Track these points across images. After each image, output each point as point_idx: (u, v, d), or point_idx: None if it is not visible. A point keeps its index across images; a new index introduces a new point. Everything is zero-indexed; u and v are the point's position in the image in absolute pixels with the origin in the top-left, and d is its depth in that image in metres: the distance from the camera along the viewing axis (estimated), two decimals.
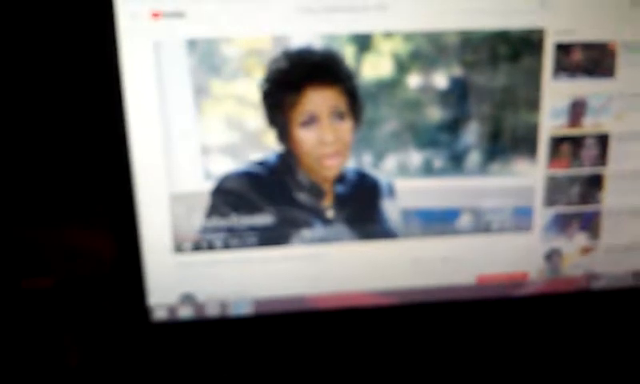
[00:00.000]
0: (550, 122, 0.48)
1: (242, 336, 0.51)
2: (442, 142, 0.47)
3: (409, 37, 0.45)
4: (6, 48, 0.52)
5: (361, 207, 0.49)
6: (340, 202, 0.48)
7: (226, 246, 0.48)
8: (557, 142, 0.48)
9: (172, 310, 0.49)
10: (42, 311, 0.54)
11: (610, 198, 0.50)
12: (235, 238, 0.48)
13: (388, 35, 0.45)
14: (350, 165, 0.48)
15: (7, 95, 0.53)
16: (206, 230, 0.47)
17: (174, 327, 0.50)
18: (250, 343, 0.52)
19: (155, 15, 0.43)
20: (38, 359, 0.51)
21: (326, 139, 0.46)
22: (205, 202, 0.47)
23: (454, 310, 0.52)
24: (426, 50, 0.46)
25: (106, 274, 0.50)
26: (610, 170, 0.50)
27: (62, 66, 0.52)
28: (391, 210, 0.49)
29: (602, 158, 0.49)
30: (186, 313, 0.50)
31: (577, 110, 0.48)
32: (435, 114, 0.47)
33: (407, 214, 0.49)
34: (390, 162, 0.48)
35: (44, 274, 0.54)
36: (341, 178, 0.48)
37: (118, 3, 0.43)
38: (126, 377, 0.50)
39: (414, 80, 0.46)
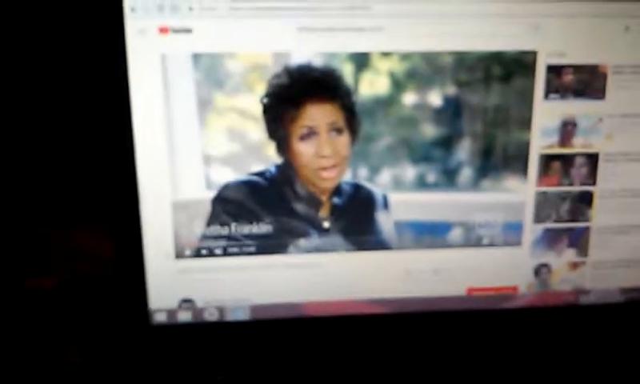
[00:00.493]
0: (540, 140, 0.49)
1: (239, 339, 0.53)
2: (435, 157, 0.49)
3: (405, 56, 0.47)
4: (20, 59, 0.54)
5: (356, 219, 0.50)
6: (336, 213, 0.50)
7: (226, 253, 0.49)
8: (547, 161, 0.50)
9: (172, 313, 0.51)
10: (45, 311, 0.55)
11: (599, 216, 0.52)
12: (234, 246, 0.49)
13: (385, 54, 0.47)
14: (347, 178, 0.49)
15: (20, 102, 0.55)
16: (206, 238, 0.49)
17: (173, 329, 0.51)
18: (246, 346, 0.53)
19: (163, 30, 0.45)
20: (41, 358, 0.52)
21: (324, 152, 0.48)
22: (206, 210, 0.48)
23: (445, 320, 0.53)
24: (422, 69, 0.47)
25: (108, 277, 0.52)
26: (599, 189, 0.51)
27: (72, 77, 0.54)
28: (385, 222, 0.50)
29: (591, 176, 0.51)
30: (185, 317, 0.51)
31: (567, 129, 0.49)
32: (430, 130, 0.49)
33: (401, 227, 0.50)
34: (386, 176, 0.49)
35: (48, 275, 0.56)
36: (338, 190, 0.50)
37: (127, 19, 0.45)
38: (126, 376, 0.51)
39: (409, 98, 0.48)
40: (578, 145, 0.50)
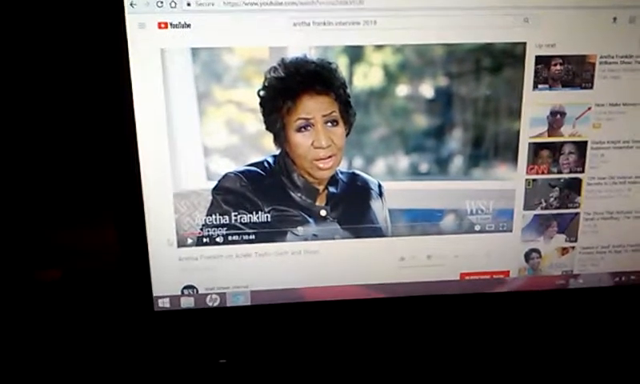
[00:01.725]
0: (530, 130, 0.51)
1: (240, 323, 0.55)
2: (428, 147, 0.51)
3: (397, 49, 0.48)
4: (25, 55, 0.55)
5: (352, 207, 0.52)
6: (333, 201, 0.52)
7: (226, 241, 0.51)
8: (537, 149, 0.51)
9: (174, 299, 0.53)
10: (53, 300, 0.57)
11: (588, 202, 0.53)
12: (234, 234, 0.51)
13: (378, 47, 0.48)
14: (343, 167, 0.51)
15: (23, 99, 0.56)
16: (207, 227, 0.51)
17: (176, 315, 0.53)
18: (247, 330, 0.55)
19: (162, 26, 0.47)
20: (48, 345, 0.54)
21: (320, 143, 0.49)
22: (206, 200, 0.50)
23: (439, 304, 0.55)
24: (414, 62, 0.49)
25: (113, 266, 0.53)
26: (587, 176, 0.53)
27: (75, 72, 0.55)
28: (380, 209, 0.52)
29: (580, 164, 0.52)
30: (187, 303, 0.53)
31: (556, 118, 0.51)
32: (422, 121, 0.50)
33: (395, 214, 0.52)
34: (380, 165, 0.51)
35: (56, 266, 0.58)
36: (334, 180, 0.51)
37: (127, 14, 0.46)
38: (131, 361, 0.53)
39: (402, 89, 0.49)
40: (567, 133, 0.51)
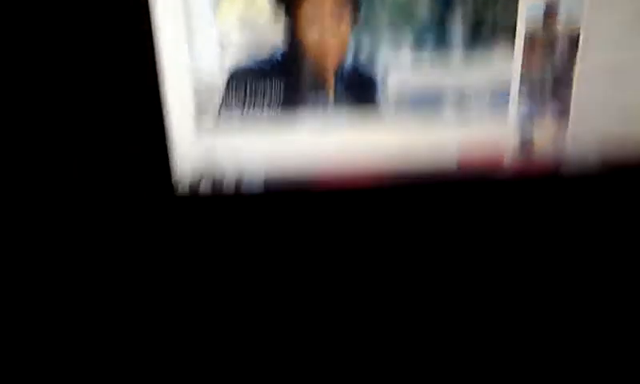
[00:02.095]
0: (526, 19, 0.53)
1: (253, 210, 0.59)
2: (429, 37, 0.53)
3: None
4: None
5: (357, 95, 0.55)
6: (339, 89, 0.55)
7: (241, 127, 0.55)
8: (532, 38, 0.54)
9: (194, 184, 0.57)
10: (77, 187, 0.60)
11: (581, 91, 0.56)
12: (249, 121, 0.55)
13: None
14: (349, 56, 0.54)
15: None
16: (224, 113, 0.54)
17: (196, 200, 0.58)
18: (259, 217, 0.60)
19: None
20: (72, 234, 0.59)
21: (328, 32, 0.52)
22: (223, 87, 0.54)
23: (437, 191, 0.59)
24: None
25: (137, 153, 0.57)
26: (580, 64, 0.55)
27: None
28: (385, 97, 0.55)
29: (573, 53, 0.55)
30: (205, 187, 0.57)
31: (551, 8, 0.53)
32: (424, 10, 0.53)
33: (397, 103, 0.55)
34: (385, 54, 0.54)
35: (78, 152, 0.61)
36: (340, 68, 0.55)
37: None
38: (153, 243, 0.58)
39: None
40: (562, 23, 0.54)
